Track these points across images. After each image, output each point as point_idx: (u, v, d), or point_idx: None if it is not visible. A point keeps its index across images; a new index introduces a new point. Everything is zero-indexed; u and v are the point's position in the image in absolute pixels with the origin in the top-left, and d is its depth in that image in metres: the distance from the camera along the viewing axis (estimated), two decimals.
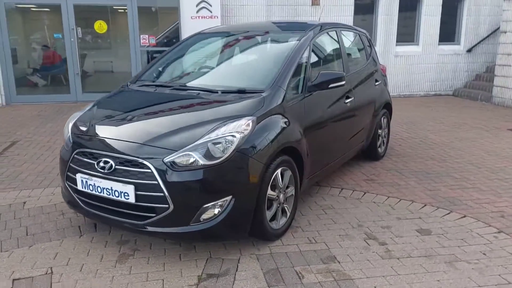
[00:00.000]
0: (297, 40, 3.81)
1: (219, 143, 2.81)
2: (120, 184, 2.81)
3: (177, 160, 2.75)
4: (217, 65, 4.19)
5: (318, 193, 4.18)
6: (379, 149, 5.28)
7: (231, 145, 2.82)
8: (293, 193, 3.37)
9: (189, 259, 2.98)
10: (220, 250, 3.08)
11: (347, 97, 4.20)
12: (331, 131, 3.96)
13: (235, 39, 4.37)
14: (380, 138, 5.28)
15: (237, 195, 2.84)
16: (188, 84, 3.77)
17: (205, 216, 2.78)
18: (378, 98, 5.05)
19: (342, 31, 4.59)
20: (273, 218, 3.20)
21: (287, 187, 3.29)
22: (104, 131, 3.13)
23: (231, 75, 3.85)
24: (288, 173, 3.26)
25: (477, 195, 4.19)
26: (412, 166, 5.09)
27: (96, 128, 3.18)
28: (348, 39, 4.83)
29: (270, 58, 3.86)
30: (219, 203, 2.79)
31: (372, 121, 4.94)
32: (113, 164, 2.85)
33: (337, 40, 4.39)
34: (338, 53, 4.39)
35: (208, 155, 2.77)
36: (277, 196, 3.17)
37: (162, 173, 2.72)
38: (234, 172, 2.83)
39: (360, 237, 3.30)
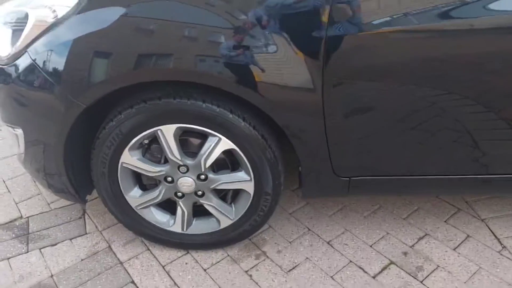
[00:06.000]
0: None
1: (21, 24, 1.52)
2: None
3: None
4: None
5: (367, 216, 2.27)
6: None
7: (24, 36, 1.48)
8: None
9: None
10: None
11: None
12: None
13: None
14: None
15: (28, 131, 1.62)
16: None
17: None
18: None
19: None
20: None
21: (222, 170, 1.68)
22: None
23: None
24: (213, 142, 1.55)
25: None
26: None
27: None
28: None
29: None
30: (13, 131, 1.70)
31: None
32: None
33: None
34: None
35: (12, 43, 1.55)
36: (161, 171, 1.64)
37: None
38: (22, 92, 1.52)
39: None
